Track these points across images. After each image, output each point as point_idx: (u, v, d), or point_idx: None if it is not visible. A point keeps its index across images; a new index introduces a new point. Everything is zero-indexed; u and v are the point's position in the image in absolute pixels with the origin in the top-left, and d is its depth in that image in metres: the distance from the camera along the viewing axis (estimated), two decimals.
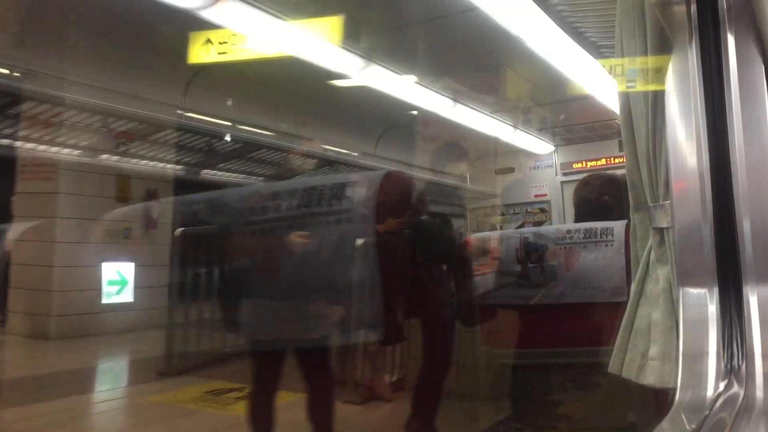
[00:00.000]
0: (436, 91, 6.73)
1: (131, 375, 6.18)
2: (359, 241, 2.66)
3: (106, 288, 7.46)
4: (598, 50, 4.91)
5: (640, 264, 1.61)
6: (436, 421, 3.35)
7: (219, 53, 4.40)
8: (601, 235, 3.31)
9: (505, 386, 3.82)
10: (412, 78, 6.23)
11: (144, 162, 8.00)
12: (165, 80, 6.97)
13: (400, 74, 6.15)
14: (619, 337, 1.62)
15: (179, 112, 7.36)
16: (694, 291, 1.43)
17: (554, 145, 9.84)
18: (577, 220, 3.55)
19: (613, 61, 1.64)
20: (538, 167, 9.96)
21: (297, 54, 5.14)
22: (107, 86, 6.45)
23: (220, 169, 9.42)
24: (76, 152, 7.38)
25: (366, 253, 2.66)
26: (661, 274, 1.53)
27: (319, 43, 5.13)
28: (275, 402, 2.92)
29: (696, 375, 1.36)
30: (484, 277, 3.80)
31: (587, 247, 3.34)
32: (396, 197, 3.02)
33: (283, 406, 2.93)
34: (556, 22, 4.30)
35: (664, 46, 1.48)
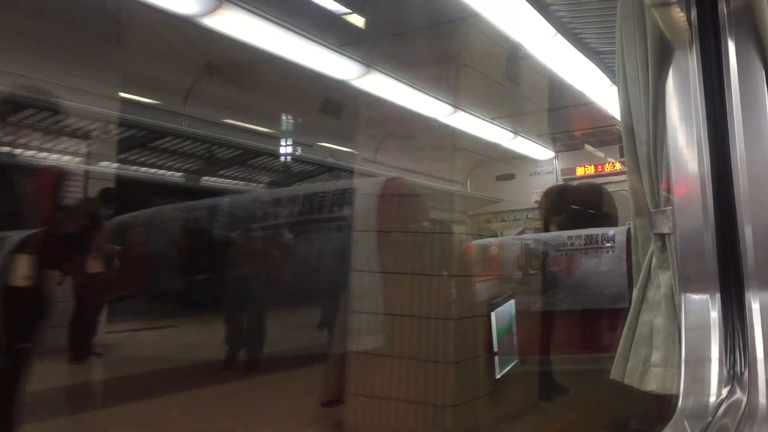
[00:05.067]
0: (436, 98, 6.73)
1: None
2: None
3: None
4: (598, 56, 4.91)
5: (641, 270, 1.61)
6: None
7: None
8: (602, 241, 3.30)
9: None
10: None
11: None
12: None
13: (399, 81, 6.14)
14: (621, 343, 1.61)
15: None
16: (695, 297, 1.43)
17: (555, 151, 9.84)
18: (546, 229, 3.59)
19: (614, 67, 1.64)
20: (539, 173, 9.95)
21: (297, 60, 5.15)
22: None
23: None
24: None
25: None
26: (663, 280, 1.53)
27: (318, 50, 5.13)
28: None
29: (698, 381, 1.35)
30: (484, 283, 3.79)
31: (588, 253, 3.33)
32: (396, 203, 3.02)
33: None
34: (556, 29, 4.31)
35: (664, 51, 1.48)
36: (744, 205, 1.37)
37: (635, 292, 1.62)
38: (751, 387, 1.30)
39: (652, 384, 1.51)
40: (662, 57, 1.48)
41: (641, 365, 1.55)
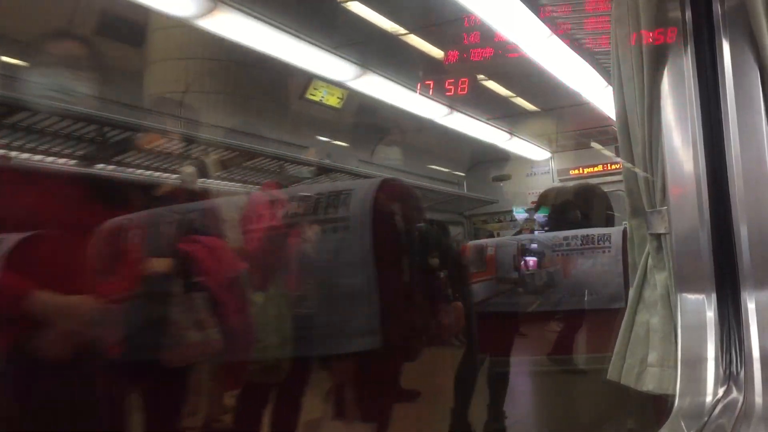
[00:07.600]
0: (432, 99, 6.73)
1: None
2: None
3: None
4: (593, 57, 4.92)
5: (637, 270, 1.61)
6: None
7: None
8: (598, 241, 3.31)
9: None
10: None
11: None
12: None
13: (395, 82, 6.15)
14: (617, 343, 1.61)
15: None
16: (692, 297, 1.43)
17: (551, 152, 9.84)
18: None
19: (609, 68, 1.64)
20: (535, 174, 9.95)
21: (292, 61, 5.15)
22: None
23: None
24: None
25: None
26: (659, 280, 1.53)
27: (314, 51, 5.14)
28: None
29: (695, 381, 1.35)
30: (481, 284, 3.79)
31: (584, 253, 3.34)
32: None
33: None
34: (551, 29, 4.32)
35: (659, 52, 1.49)
36: (739, 205, 1.37)
37: (631, 292, 1.62)
38: (747, 386, 1.30)
39: (649, 384, 1.51)
40: (657, 57, 1.48)
41: (638, 365, 1.55)
